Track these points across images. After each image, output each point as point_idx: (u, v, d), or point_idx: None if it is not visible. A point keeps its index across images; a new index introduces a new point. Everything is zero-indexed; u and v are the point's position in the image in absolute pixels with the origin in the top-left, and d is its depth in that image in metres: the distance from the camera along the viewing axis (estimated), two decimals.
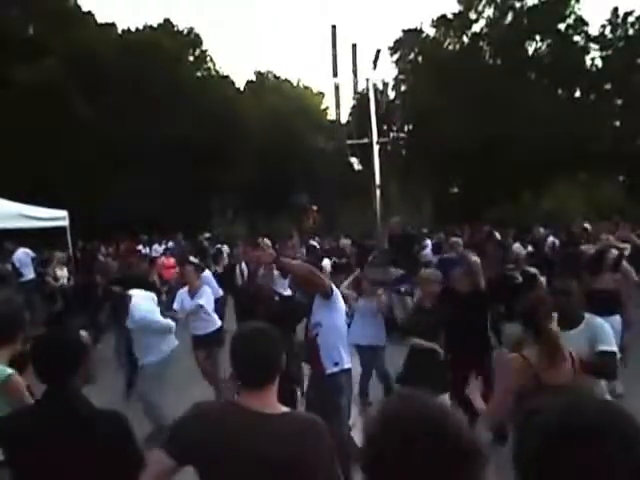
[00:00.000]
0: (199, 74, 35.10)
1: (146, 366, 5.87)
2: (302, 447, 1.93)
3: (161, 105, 29.42)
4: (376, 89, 26.83)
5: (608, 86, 33.68)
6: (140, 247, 17.47)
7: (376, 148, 24.77)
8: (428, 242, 15.33)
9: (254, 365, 2.03)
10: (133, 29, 34.48)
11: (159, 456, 1.98)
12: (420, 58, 35.43)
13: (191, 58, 35.51)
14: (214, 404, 2.27)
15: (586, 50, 33.97)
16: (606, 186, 27.38)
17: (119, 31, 33.49)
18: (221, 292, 9.37)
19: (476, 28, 35.29)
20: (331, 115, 36.42)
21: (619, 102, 33.97)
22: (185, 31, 35.64)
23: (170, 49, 31.93)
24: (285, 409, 2.07)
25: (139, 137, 28.36)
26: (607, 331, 3.39)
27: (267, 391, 2.05)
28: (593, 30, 33.92)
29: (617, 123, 33.89)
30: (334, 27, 23.75)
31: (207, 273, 8.92)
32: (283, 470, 1.89)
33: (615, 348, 3.36)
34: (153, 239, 19.39)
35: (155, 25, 35.03)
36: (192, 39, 35.43)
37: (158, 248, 17.94)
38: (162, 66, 30.04)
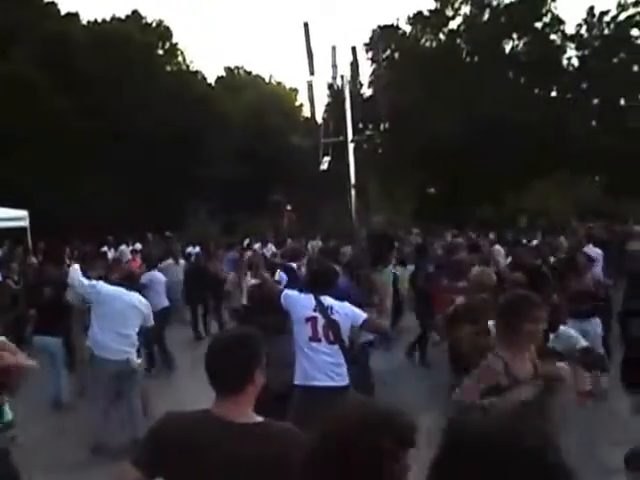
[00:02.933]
0: (169, 68, 33.89)
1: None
2: (277, 458, 1.87)
3: (133, 100, 28.21)
4: (352, 86, 26.28)
5: (585, 85, 33.62)
6: (105, 249, 16.32)
7: (351, 147, 24.16)
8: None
9: (225, 371, 1.99)
10: (100, 20, 33.11)
11: (127, 469, 1.96)
12: (397, 55, 34.87)
13: (161, 52, 34.27)
14: (185, 414, 2.07)
15: (563, 49, 33.88)
16: (584, 185, 27.17)
17: (84, 22, 32.10)
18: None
19: (453, 25, 34.95)
20: (306, 112, 35.64)
21: (596, 102, 33.95)
22: (154, 23, 34.37)
23: (140, 42, 30.72)
24: (259, 418, 2.00)
25: (110, 133, 27.11)
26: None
27: (241, 399, 1.99)
28: (569, 29, 33.91)
29: (594, 123, 33.87)
30: (306, 24, 23.12)
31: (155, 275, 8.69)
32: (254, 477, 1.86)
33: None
34: (120, 240, 18.26)
35: (123, 17, 33.69)
36: (162, 32, 34.21)
37: (125, 249, 16.84)
38: (133, 59, 28.84)
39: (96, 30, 31.00)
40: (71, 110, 26.53)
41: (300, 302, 4.40)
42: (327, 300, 4.38)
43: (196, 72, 36.12)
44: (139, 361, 5.87)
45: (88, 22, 32.38)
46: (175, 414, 2.08)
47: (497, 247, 11.80)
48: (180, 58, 35.62)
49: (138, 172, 26.85)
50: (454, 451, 1.16)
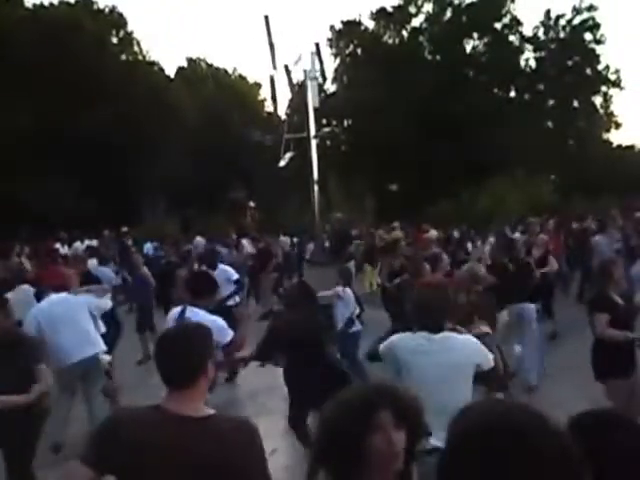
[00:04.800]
0: (124, 57, 32.75)
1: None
2: (232, 451, 1.88)
3: (83, 92, 27.18)
4: (314, 82, 26.03)
5: (542, 87, 34.38)
6: (58, 245, 15.67)
7: (314, 142, 23.95)
8: None
9: (181, 366, 1.97)
10: (46, 4, 31.52)
11: (76, 467, 1.92)
12: (359, 51, 34.83)
13: (115, 40, 33.04)
14: (137, 410, 2.02)
15: (521, 50, 34.53)
16: (540, 184, 27.77)
17: (28, 5, 30.55)
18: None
19: (415, 23, 35.14)
20: (269, 107, 35.23)
21: (552, 103, 34.77)
22: (107, 10, 33.09)
23: (91, 30, 29.52)
24: (211, 411, 1.98)
25: (59, 128, 26.10)
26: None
27: (195, 393, 1.98)
28: (527, 31, 34.57)
29: (549, 124, 34.69)
30: (267, 17, 22.71)
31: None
32: (212, 476, 1.86)
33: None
34: (74, 236, 17.58)
35: (72, 2, 32.20)
36: (115, 19, 32.91)
37: (80, 246, 16.20)
38: (83, 49, 27.71)
39: (40, 16, 29.49)
40: (17, 105, 25.34)
41: (170, 315, 4.22)
42: (193, 312, 4.06)
43: (153, 63, 35.04)
44: (108, 358, 5.54)
45: (34, 5, 30.76)
46: (126, 411, 2.06)
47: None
48: (136, 48, 34.42)
49: (91, 167, 25.98)
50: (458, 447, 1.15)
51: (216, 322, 3.94)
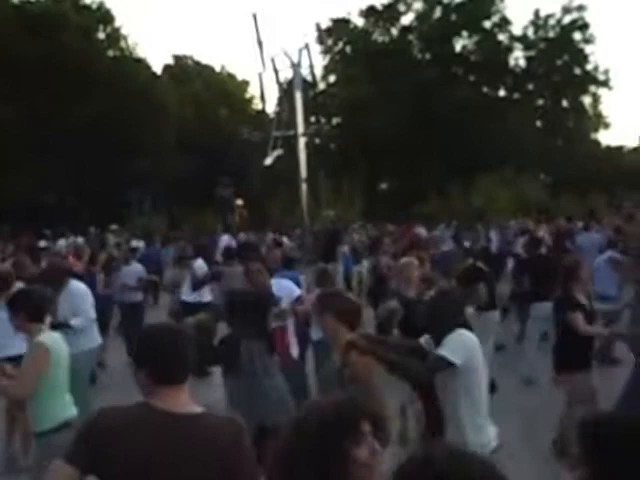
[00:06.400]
0: (112, 53, 32.39)
1: None
2: (221, 449, 1.87)
3: (69, 88, 26.84)
4: (303, 80, 25.87)
5: (531, 86, 34.45)
6: (43, 242, 15.41)
7: (302, 140, 23.79)
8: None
9: (175, 362, 1.96)
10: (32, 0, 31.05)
11: (60, 466, 1.90)
12: (349, 49, 34.72)
13: (102, 36, 32.67)
14: (123, 409, 1.96)
15: (510, 49, 34.57)
16: (530, 183, 27.84)
17: (15, 1, 30.04)
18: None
19: (405, 21, 35.08)
20: (257, 105, 34.98)
21: (541, 102, 34.87)
22: (94, 6, 32.70)
23: (79, 25, 29.15)
24: (201, 409, 1.98)
25: (44, 123, 25.72)
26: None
27: (182, 391, 1.98)
28: (517, 30, 34.61)
29: (538, 123, 34.79)
30: (255, 15, 22.54)
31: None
32: (201, 474, 1.84)
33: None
34: (58, 233, 17.32)
35: None
36: (102, 15, 32.54)
37: (64, 243, 15.94)
38: (71, 44, 27.36)
39: (27, 11, 29.10)
40: (2, 99, 24.97)
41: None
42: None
43: (140, 60, 34.69)
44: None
45: (21, 2, 30.35)
46: (110, 409, 2.01)
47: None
48: (123, 44, 34.05)
49: (76, 163, 25.64)
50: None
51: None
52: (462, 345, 3.02)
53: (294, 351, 5.22)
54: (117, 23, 33.33)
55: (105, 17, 32.47)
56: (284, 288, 5.01)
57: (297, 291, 4.97)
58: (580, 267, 4.84)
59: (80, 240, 16.50)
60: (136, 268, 8.85)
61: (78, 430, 1.99)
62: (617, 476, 1.34)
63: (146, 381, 1.94)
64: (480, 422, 3.00)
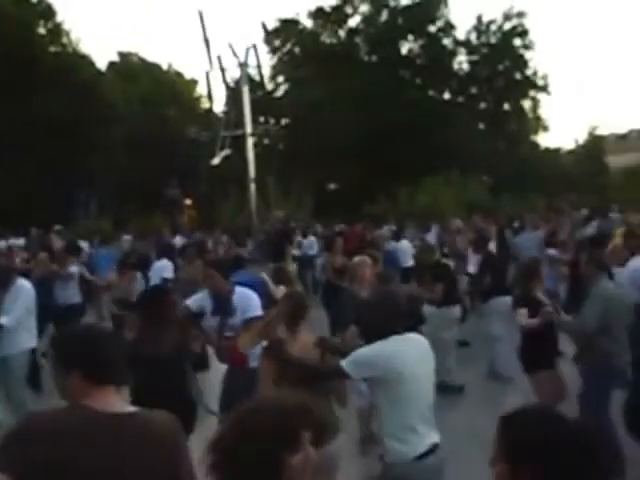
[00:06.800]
0: (53, 49, 31.35)
1: None
2: (159, 448, 1.84)
3: (9, 84, 25.82)
4: (251, 79, 25.79)
5: (474, 90, 35.44)
6: None
7: (250, 140, 23.70)
8: (312, 239, 14.87)
9: (116, 362, 1.95)
10: None
11: None
12: (297, 50, 34.78)
13: (43, 31, 31.58)
14: (54, 412, 1.88)
15: (454, 53, 35.45)
16: (473, 185, 28.61)
17: None
18: None
19: (352, 23, 35.43)
20: (205, 104, 34.58)
21: (484, 105, 35.93)
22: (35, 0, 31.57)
23: (18, 19, 28.08)
24: (134, 408, 1.94)
25: None
26: None
27: (116, 391, 1.94)
28: (460, 35, 35.54)
29: (481, 126, 35.82)
30: (201, 13, 22.29)
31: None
32: (140, 474, 1.80)
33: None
34: None
35: None
36: (43, 9, 31.48)
37: (3, 244, 15.33)
38: (11, 37, 26.33)
39: None
40: None
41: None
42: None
43: (83, 56, 33.69)
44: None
45: None
46: (40, 413, 1.95)
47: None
48: (65, 40, 32.99)
49: (18, 162, 24.69)
50: None
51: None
52: (374, 359, 2.85)
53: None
54: (59, 18, 32.29)
55: (46, 12, 31.40)
56: (243, 301, 4.48)
57: (252, 312, 4.37)
58: (540, 266, 4.91)
59: (21, 241, 15.95)
60: (78, 269, 8.61)
61: (7, 436, 1.85)
62: (534, 472, 1.40)
63: (80, 383, 1.87)
64: (405, 434, 2.81)
